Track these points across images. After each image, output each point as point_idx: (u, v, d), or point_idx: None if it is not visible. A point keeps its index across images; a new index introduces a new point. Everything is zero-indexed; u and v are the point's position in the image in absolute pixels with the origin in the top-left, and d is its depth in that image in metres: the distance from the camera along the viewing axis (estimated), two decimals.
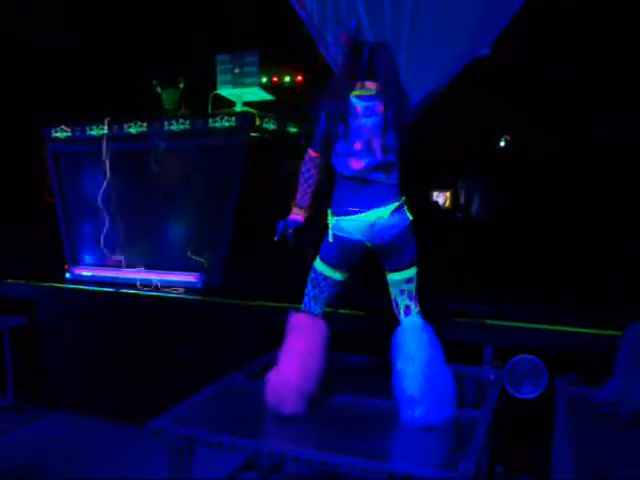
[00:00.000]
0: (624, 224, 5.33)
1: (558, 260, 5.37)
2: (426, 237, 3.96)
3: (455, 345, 4.30)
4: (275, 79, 6.87)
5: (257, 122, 5.76)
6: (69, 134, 6.53)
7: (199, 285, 5.71)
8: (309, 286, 3.61)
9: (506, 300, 4.75)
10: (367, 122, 3.33)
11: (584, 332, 4.15)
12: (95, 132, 6.34)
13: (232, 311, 5.30)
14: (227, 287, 5.67)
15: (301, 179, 3.57)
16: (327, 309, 3.64)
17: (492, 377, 4.02)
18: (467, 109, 6.00)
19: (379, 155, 3.33)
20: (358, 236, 3.40)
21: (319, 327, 3.54)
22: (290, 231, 3.64)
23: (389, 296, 3.58)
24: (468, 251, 5.60)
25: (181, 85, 6.27)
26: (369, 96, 3.35)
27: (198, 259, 5.81)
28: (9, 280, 6.38)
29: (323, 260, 3.54)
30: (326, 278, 3.56)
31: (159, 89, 6.27)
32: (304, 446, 3.04)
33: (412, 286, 3.54)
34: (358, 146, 3.34)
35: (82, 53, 7.48)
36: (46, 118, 6.80)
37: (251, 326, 5.10)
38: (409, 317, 3.50)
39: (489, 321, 4.39)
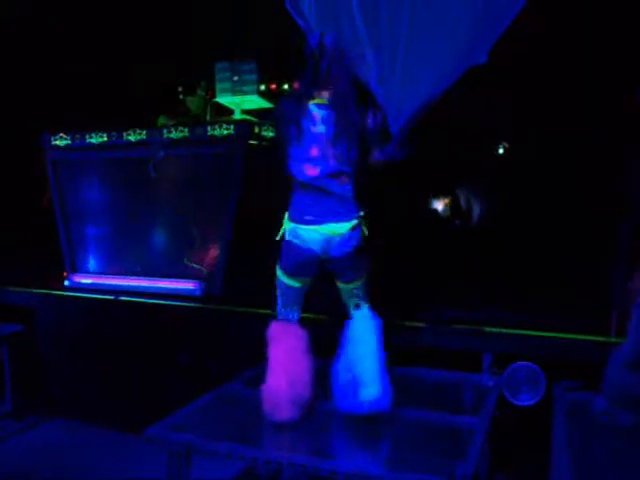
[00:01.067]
0: (621, 231, 5.33)
1: (557, 267, 5.36)
2: (425, 245, 3.96)
3: (454, 352, 4.33)
4: (273, 86, 6.87)
5: (256, 130, 5.77)
6: (68, 142, 6.52)
7: (198, 293, 5.69)
8: (277, 294, 3.67)
9: (504, 307, 4.76)
10: (323, 129, 3.36)
11: (582, 339, 4.15)
12: (94, 140, 6.33)
13: (231, 319, 5.28)
14: (226, 295, 5.67)
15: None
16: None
17: (490, 384, 4.03)
18: (465, 117, 5.99)
19: (332, 163, 3.35)
20: (313, 246, 3.42)
21: (295, 333, 3.58)
22: None
23: None
24: (466, 258, 5.59)
25: (201, 92, 6.29)
26: (325, 105, 3.40)
27: (197, 267, 5.81)
28: (10, 287, 6.36)
29: (282, 269, 3.57)
30: (287, 286, 3.60)
31: (182, 96, 6.28)
32: (301, 452, 3.03)
33: (360, 291, 3.62)
34: (314, 152, 3.36)
35: (82, 61, 7.49)
36: (46, 125, 6.80)
37: (250, 333, 5.07)
38: (359, 310, 3.59)
39: (487, 328, 4.39)
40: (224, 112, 6.28)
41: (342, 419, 3.45)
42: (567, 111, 5.90)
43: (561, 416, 3.39)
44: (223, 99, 6.09)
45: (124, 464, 4.95)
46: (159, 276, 5.98)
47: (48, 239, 6.72)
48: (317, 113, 3.39)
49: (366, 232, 3.49)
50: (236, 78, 5.94)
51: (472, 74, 4.41)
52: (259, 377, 4.14)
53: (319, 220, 3.39)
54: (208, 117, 6.24)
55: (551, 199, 6.06)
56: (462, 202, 6.85)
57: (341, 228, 3.39)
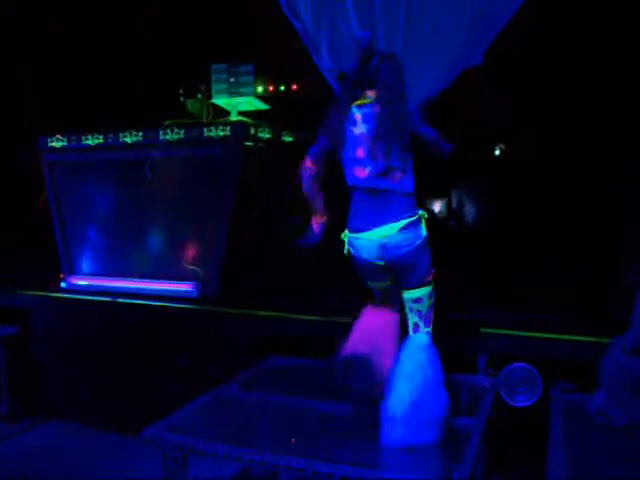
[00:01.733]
0: (619, 231, 5.34)
1: (553, 267, 5.36)
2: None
3: (450, 353, 4.32)
4: (271, 88, 6.88)
5: (252, 131, 5.79)
6: (65, 143, 6.51)
7: (195, 294, 5.68)
8: None
9: (500, 308, 4.77)
10: (365, 129, 3.33)
11: (579, 340, 4.14)
12: (91, 141, 6.33)
13: (227, 320, 5.28)
14: (222, 296, 5.66)
15: (303, 190, 3.57)
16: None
17: (487, 385, 4.02)
18: (462, 116, 5.99)
19: (382, 160, 3.31)
20: (366, 255, 3.40)
21: (389, 315, 3.55)
22: (311, 238, 3.64)
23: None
24: (462, 259, 5.60)
25: (199, 95, 6.31)
26: (368, 104, 3.37)
27: (193, 268, 5.81)
28: (6, 289, 6.35)
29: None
30: (369, 286, 3.63)
31: (182, 98, 6.33)
32: (298, 455, 3.02)
33: (422, 306, 3.51)
34: (360, 153, 3.35)
35: (79, 61, 7.51)
36: (42, 126, 6.81)
37: (246, 335, 5.09)
38: (415, 335, 3.48)
39: (483, 329, 4.39)
40: (223, 114, 6.28)
41: (340, 422, 3.45)
42: (566, 111, 5.91)
43: (558, 417, 3.39)
44: (219, 100, 6.09)
45: (121, 465, 4.94)
46: (156, 278, 5.97)
47: (44, 241, 6.71)
48: (358, 114, 3.37)
49: (425, 233, 3.42)
50: (233, 80, 5.95)
51: (468, 74, 4.45)
52: (256, 378, 4.17)
53: (366, 226, 3.37)
54: (205, 118, 6.24)
55: (548, 199, 6.07)
56: (454, 203, 6.86)
57: (389, 230, 3.34)
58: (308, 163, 3.50)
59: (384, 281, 3.57)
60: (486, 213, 6.24)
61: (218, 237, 5.72)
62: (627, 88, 5.63)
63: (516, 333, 4.32)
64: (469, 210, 7.09)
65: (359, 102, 3.39)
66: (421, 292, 3.49)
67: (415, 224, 3.38)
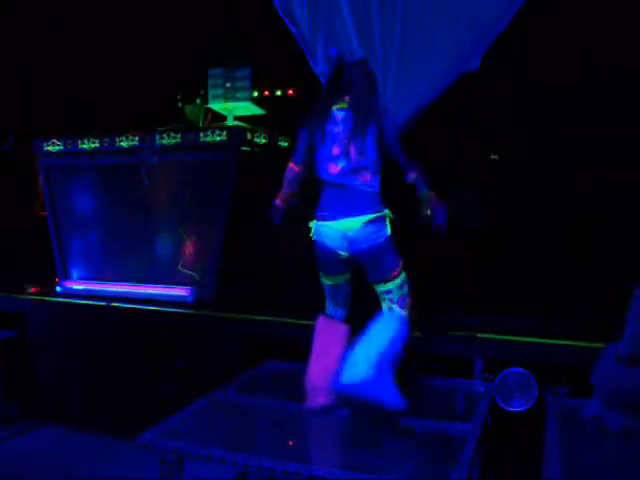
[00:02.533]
0: (615, 236, 5.36)
1: (548, 272, 5.38)
2: (416, 250, 3.97)
3: (446, 358, 4.33)
4: (267, 92, 6.88)
5: (248, 136, 5.79)
6: (61, 147, 6.52)
7: (190, 299, 5.69)
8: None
9: (495, 313, 4.77)
10: (341, 129, 3.54)
11: (574, 345, 4.15)
12: (87, 146, 6.33)
13: (223, 324, 5.27)
14: (218, 301, 5.66)
15: (283, 185, 3.87)
16: None
17: (482, 390, 4.03)
18: (456, 122, 6.01)
19: (354, 159, 3.50)
20: (331, 244, 3.56)
21: (332, 329, 3.79)
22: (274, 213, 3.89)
23: None
24: (457, 264, 5.62)
25: (198, 100, 6.34)
26: (346, 108, 3.58)
27: (189, 273, 5.81)
28: (1, 293, 6.33)
29: (317, 267, 3.73)
30: (324, 284, 3.81)
31: (180, 104, 6.35)
32: (294, 459, 3.02)
33: (392, 295, 3.66)
34: (335, 151, 3.53)
35: (76, 66, 7.49)
36: (38, 130, 6.81)
37: (242, 339, 5.09)
38: (390, 311, 3.65)
39: (479, 334, 4.40)
40: (220, 119, 6.29)
41: (336, 426, 3.46)
42: (564, 113, 5.93)
43: (553, 421, 3.40)
44: (215, 105, 6.09)
45: (116, 469, 4.93)
46: (151, 282, 5.97)
47: (40, 245, 6.70)
48: (339, 114, 3.57)
49: (389, 231, 3.55)
50: (229, 84, 5.96)
51: (466, 77, 4.47)
52: (252, 382, 4.16)
53: (333, 216, 3.54)
54: (201, 123, 6.25)
55: (545, 203, 6.08)
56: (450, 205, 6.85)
57: (354, 223, 3.50)
58: (293, 166, 3.77)
59: (339, 275, 3.74)
60: (482, 216, 6.23)
61: (214, 242, 5.73)
62: (623, 91, 5.66)
63: (512, 338, 4.33)
64: (465, 213, 7.11)
65: (338, 106, 3.60)
66: (390, 285, 3.63)
67: (380, 220, 3.54)
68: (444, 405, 3.84)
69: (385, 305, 3.67)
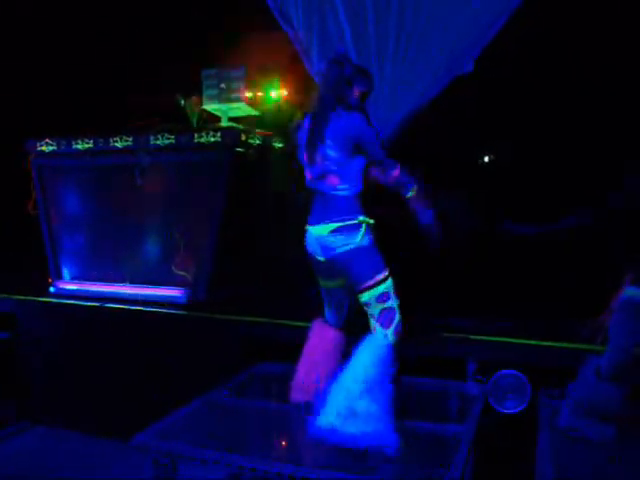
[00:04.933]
0: (604, 239, 5.38)
1: (541, 275, 5.41)
2: (409, 253, 3.98)
3: (438, 360, 4.34)
4: (260, 94, 6.88)
5: (242, 137, 5.81)
6: (54, 147, 6.52)
7: (183, 300, 5.71)
8: None
9: (489, 315, 4.79)
10: (305, 135, 3.49)
11: (567, 347, 4.17)
12: (80, 146, 6.34)
13: (216, 326, 5.29)
14: (211, 302, 5.67)
15: None
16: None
17: (475, 392, 4.05)
18: (449, 124, 6.04)
19: (319, 164, 3.42)
20: (309, 249, 3.57)
21: (322, 333, 3.80)
22: None
23: None
24: (450, 266, 5.63)
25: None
26: (311, 112, 3.52)
27: (182, 274, 5.82)
28: None
29: None
30: (320, 286, 3.75)
31: (182, 102, 6.29)
32: (287, 461, 3.03)
33: (372, 309, 3.46)
34: (305, 157, 3.50)
35: (68, 65, 7.51)
36: (31, 130, 6.80)
37: (235, 340, 5.09)
38: (369, 336, 3.45)
39: (472, 336, 4.42)
40: (216, 119, 6.31)
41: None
42: (556, 117, 5.96)
43: (546, 423, 3.42)
44: (210, 106, 6.10)
45: (109, 471, 4.93)
46: (145, 283, 5.99)
47: (32, 245, 6.70)
48: (305, 121, 3.53)
49: (362, 240, 3.39)
50: (223, 85, 5.97)
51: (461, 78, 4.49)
52: (245, 384, 4.17)
53: (310, 221, 3.52)
54: (195, 124, 6.24)
55: (534, 207, 6.11)
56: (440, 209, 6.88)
57: (321, 230, 3.44)
58: None
59: (329, 280, 3.67)
60: (474, 220, 6.26)
61: (207, 243, 5.74)
62: (616, 98, 5.69)
63: (504, 340, 4.36)
64: (457, 217, 7.13)
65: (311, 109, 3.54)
66: (365, 297, 3.45)
67: (349, 229, 3.40)
68: (437, 407, 3.84)
69: (370, 323, 3.47)
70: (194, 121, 6.18)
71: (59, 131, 6.60)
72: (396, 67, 4.32)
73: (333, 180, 3.42)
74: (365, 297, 3.44)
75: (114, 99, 7.21)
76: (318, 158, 3.40)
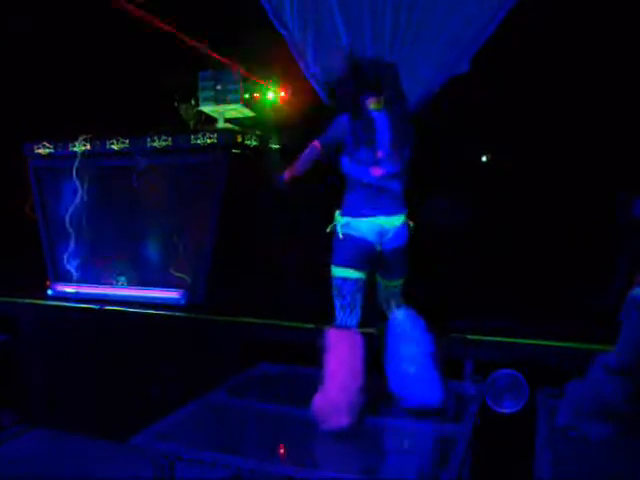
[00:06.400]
0: (607, 239, 5.41)
1: (538, 275, 5.43)
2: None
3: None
4: (257, 95, 6.90)
5: (239, 139, 5.84)
6: (51, 150, 6.57)
7: (182, 302, 5.74)
8: (335, 297, 3.69)
9: (486, 315, 4.82)
10: (386, 134, 3.60)
11: (565, 346, 4.20)
12: (77, 148, 6.38)
13: (215, 327, 5.32)
14: (210, 303, 5.71)
15: (298, 161, 3.77)
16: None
17: (473, 391, 4.07)
18: (448, 121, 6.06)
19: (397, 164, 3.62)
20: (370, 237, 3.60)
21: (351, 340, 3.57)
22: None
23: None
24: (447, 266, 5.67)
25: (193, 101, 6.35)
26: (381, 110, 3.64)
27: (181, 276, 5.86)
28: None
29: (337, 264, 3.66)
30: (344, 279, 3.63)
31: (177, 104, 6.33)
32: (285, 462, 3.05)
33: (399, 288, 3.89)
34: (380, 155, 3.58)
35: (64, 66, 7.44)
36: (27, 133, 6.83)
37: (233, 342, 5.12)
38: (403, 310, 3.83)
39: (470, 336, 4.44)
40: (212, 121, 6.34)
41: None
42: (556, 117, 5.97)
43: (544, 422, 3.44)
44: (206, 107, 6.13)
45: (109, 473, 4.95)
46: (143, 285, 6.03)
47: (31, 247, 6.71)
48: (377, 116, 3.61)
49: (412, 231, 3.74)
50: (219, 87, 6.00)
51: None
52: (244, 385, 4.18)
53: (375, 213, 3.60)
54: (192, 126, 6.28)
55: (536, 206, 6.12)
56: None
57: (395, 220, 3.64)
58: (317, 144, 3.68)
59: (364, 270, 3.68)
60: (473, 220, 6.28)
61: (205, 244, 5.78)
62: (615, 97, 5.71)
63: (502, 339, 4.39)
64: (456, 216, 7.14)
65: (373, 107, 3.63)
66: (401, 281, 3.88)
67: (406, 222, 3.72)
68: None
69: (393, 301, 3.86)
70: (191, 124, 6.23)
71: (54, 134, 6.65)
72: None
73: (403, 179, 3.69)
74: (401, 281, 3.86)
75: (111, 101, 7.22)
76: (397, 157, 3.61)
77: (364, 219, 3.60)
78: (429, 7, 4.38)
